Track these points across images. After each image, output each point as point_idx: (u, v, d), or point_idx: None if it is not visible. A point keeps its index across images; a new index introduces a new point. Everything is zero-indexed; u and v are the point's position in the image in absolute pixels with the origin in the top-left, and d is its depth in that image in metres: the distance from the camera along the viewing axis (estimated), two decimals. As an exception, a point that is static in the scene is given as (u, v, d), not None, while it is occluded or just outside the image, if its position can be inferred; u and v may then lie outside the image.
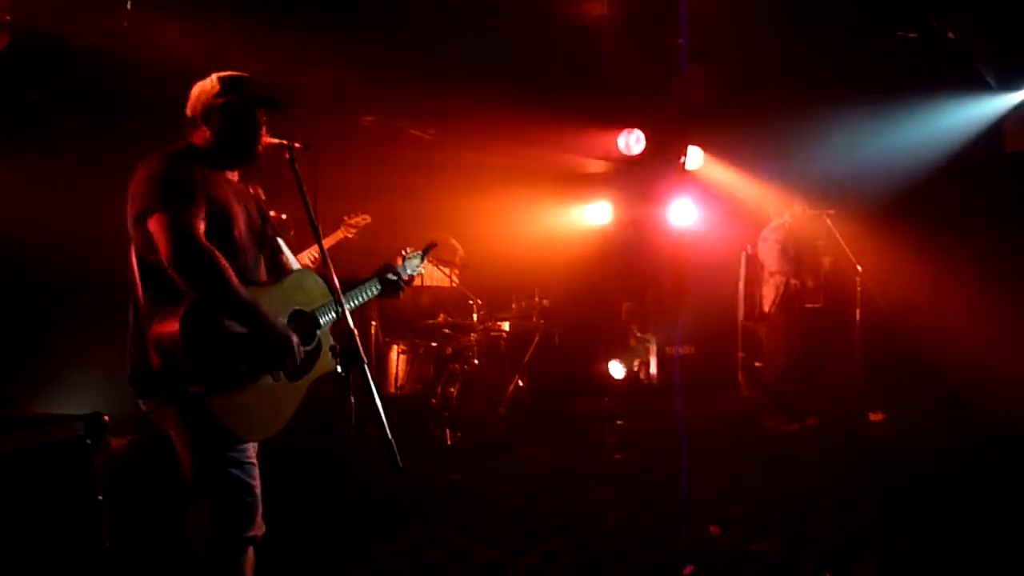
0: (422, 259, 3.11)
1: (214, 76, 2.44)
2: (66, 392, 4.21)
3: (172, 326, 2.13)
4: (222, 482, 2.29)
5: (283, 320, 2.39)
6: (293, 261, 2.68)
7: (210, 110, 2.41)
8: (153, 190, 2.22)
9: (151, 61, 4.17)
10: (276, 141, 2.46)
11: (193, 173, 2.28)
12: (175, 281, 2.18)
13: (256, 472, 2.38)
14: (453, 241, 6.31)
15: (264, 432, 2.35)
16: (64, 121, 4.50)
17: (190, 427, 2.26)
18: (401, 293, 2.92)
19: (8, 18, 4.02)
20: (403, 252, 3.05)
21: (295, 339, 2.35)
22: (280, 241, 2.66)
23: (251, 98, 2.45)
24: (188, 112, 2.45)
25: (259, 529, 2.36)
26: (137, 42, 4.30)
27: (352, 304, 2.69)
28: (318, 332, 2.50)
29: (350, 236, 5.08)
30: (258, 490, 2.37)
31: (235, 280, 2.23)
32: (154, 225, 2.20)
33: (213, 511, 2.29)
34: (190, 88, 2.47)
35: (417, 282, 6.37)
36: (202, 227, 2.23)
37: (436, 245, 3.22)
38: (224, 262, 2.22)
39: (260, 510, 2.37)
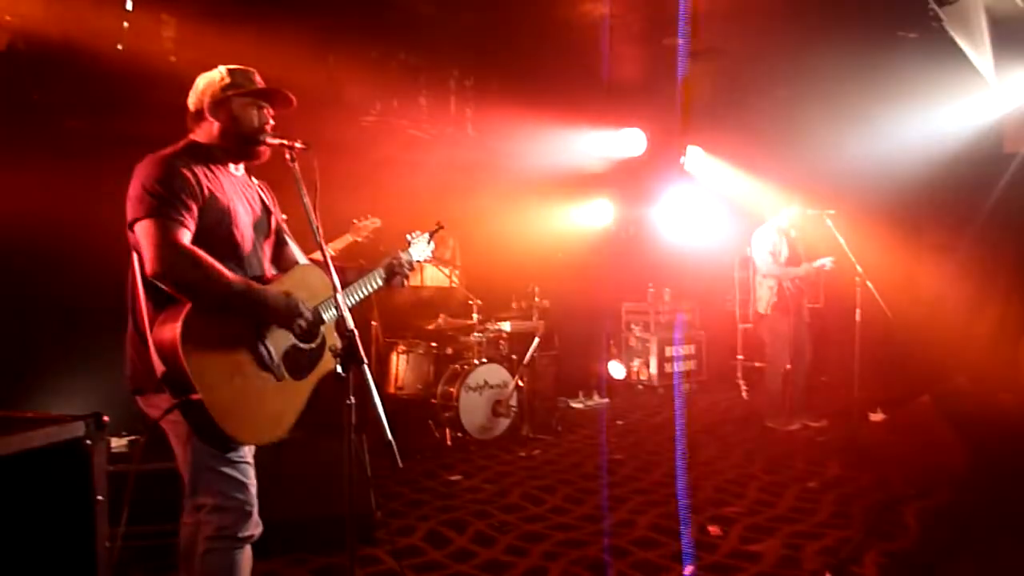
0: (428, 242, 3.08)
1: (222, 68, 2.43)
2: (66, 392, 4.21)
3: (172, 335, 2.13)
4: (219, 482, 2.29)
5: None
6: (300, 256, 2.68)
7: (218, 103, 2.39)
8: (140, 198, 2.21)
9: (151, 61, 4.17)
10: (276, 141, 2.45)
11: (185, 177, 2.25)
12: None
13: (252, 472, 2.38)
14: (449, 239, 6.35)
15: (268, 435, 2.34)
16: (65, 122, 4.50)
17: (192, 431, 2.25)
18: (406, 280, 2.89)
19: (8, 18, 4.02)
20: (408, 236, 3.02)
21: (296, 299, 2.35)
22: (286, 236, 2.66)
23: (259, 92, 2.44)
24: (193, 105, 2.43)
25: (256, 528, 2.36)
26: (137, 42, 4.31)
27: (356, 297, 2.69)
28: (322, 328, 2.49)
29: (360, 240, 5.01)
30: (254, 489, 2.37)
31: (220, 270, 2.21)
32: (139, 233, 2.20)
33: (210, 511, 2.29)
34: (192, 85, 2.45)
35: (416, 282, 6.44)
36: (187, 234, 2.21)
37: (443, 227, 3.17)
38: (207, 258, 2.21)
39: (256, 509, 2.37)
